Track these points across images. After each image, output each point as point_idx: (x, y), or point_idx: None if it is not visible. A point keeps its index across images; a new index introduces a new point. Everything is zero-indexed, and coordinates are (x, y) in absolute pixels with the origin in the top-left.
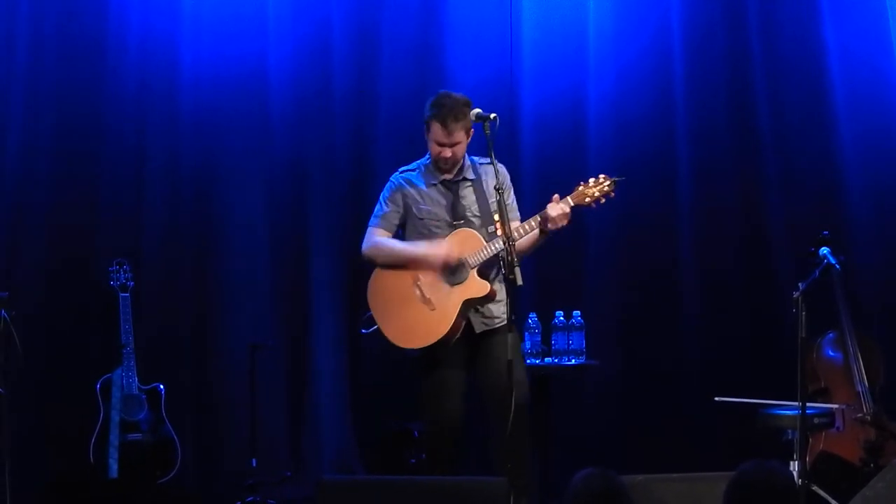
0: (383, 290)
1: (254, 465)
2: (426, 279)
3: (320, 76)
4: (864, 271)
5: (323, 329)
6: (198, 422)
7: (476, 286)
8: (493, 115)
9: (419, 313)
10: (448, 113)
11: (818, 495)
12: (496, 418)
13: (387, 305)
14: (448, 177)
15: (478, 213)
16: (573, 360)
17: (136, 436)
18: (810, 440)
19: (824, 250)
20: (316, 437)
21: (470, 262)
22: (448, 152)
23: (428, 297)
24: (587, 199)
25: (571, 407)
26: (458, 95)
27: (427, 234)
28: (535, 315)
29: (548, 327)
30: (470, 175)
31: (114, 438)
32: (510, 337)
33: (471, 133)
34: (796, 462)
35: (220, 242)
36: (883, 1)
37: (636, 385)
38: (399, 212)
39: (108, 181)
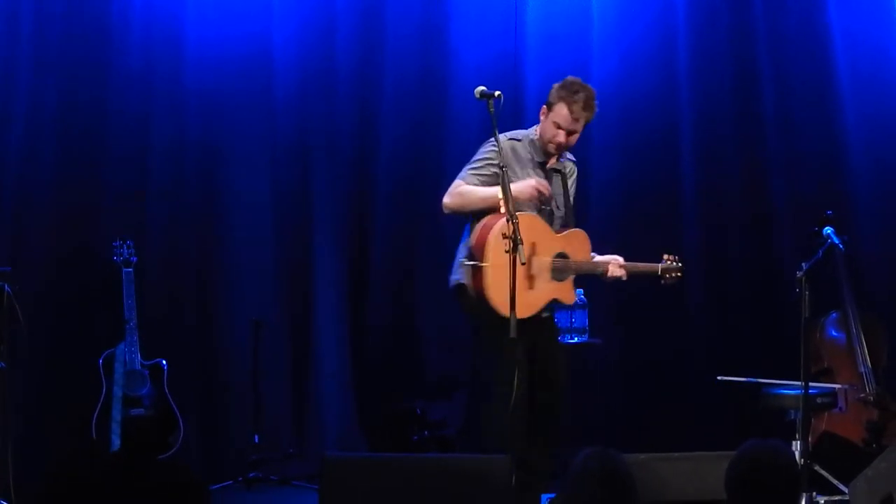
0: (503, 239)
1: (256, 441)
2: (540, 259)
3: (325, 56)
4: (868, 251)
5: (326, 305)
6: (200, 398)
7: (568, 292)
8: (497, 93)
9: (519, 283)
10: (579, 100)
11: (820, 475)
12: (546, 400)
13: (504, 257)
14: (552, 162)
15: (560, 206)
16: (576, 339)
17: (139, 411)
18: (813, 420)
19: (828, 230)
20: (319, 414)
21: (574, 268)
22: (563, 137)
23: (534, 274)
24: (668, 276)
25: (574, 386)
26: (588, 86)
27: (517, 207)
28: None
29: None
30: (559, 167)
31: (116, 413)
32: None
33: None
34: (799, 442)
35: (223, 220)
36: None
37: (639, 364)
38: (496, 168)
39: (112, 159)
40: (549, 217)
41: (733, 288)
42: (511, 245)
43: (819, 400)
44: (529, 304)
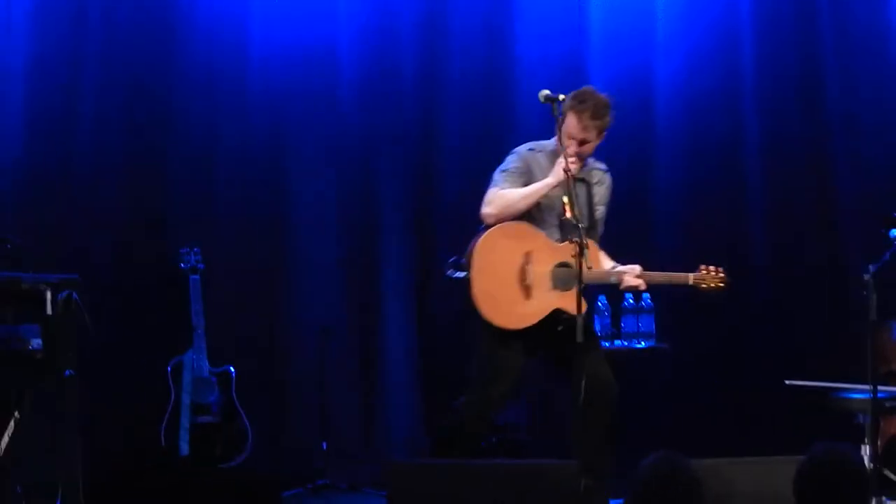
0: (495, 249)
1: (324, 447)
2: (537, 268)
3: (389, 58)
4: None
5: (393, 311)
6: (268, 404)
7: (575, 303)
8: (561, 97)
9: (513, 293)
10: (586, 109)
11: (889, 479)
12: (590, 405)
13: (492, 264)
14: (574, 170)
15: (585, 217)
16: (643, 343)
17: (207, 418)
18: (882, 424)
19: (894, 232)
20: (386, 420)
21: (583, 277)
22: (576, 147)
23: (529, 284)
24: (703, 286)
25: (642, 390)
26: (603, 95)
27: (536, 219)
28: (604, 297)
29: (617, 310)
30: (583, 175)
31: (185, 420)
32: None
33: (603, 135)
34: (867, 446)
35: (289, 224)
36: None
37: (706, 368)
38: (522, 181)
39: (179, 164)
40: (569, 227)
41: (801, 290)
42: (575, 247)
43: (888, 403)
44: (526, 314)
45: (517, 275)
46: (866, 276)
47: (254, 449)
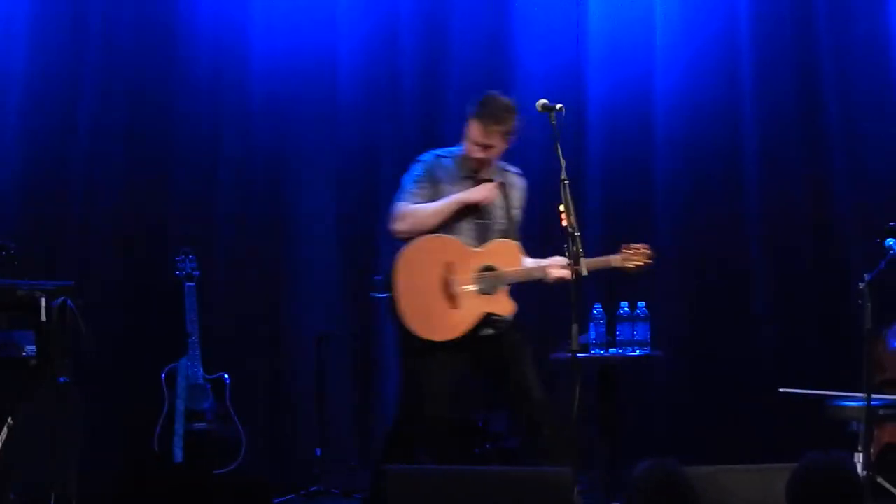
0: (414, 266)
1: (319, 454)
2: (459, 276)
3: (389, 66)
4: None
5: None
6: (264, 411)
7: (504, 304)
8: (558, 106)
9: (439, 306)
10: (489, 115)
11: (883, 487)
12: (541, 416)
13: (413, 281)
14: (479, 175)
15: (499, 219)
16: (638, 351)
17: (201, 425)
18: (876, 432)
19: (890, 241)
20: (382, 427)
21: (505, 279)
22: (481, 153)
23: (454, 294)
24: (628, 265)
25: (637, 398)
26: (504, 99)
27: (449, 225)
28: (599, 306)
29: (613, 318)
30: (496, 178)
31: (179, 427)
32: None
33: (509, 140)
34: (861, 454)
35: (288, 232)
36: None
37: (701, 376)
38: (430, 189)
39: (178, 172)
40: (486, 230)
41: (797, 298)
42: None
43: (882, 411)
44: (455, 324)
45: (441, 287)
46: (861, 285)
47: (248, 455)
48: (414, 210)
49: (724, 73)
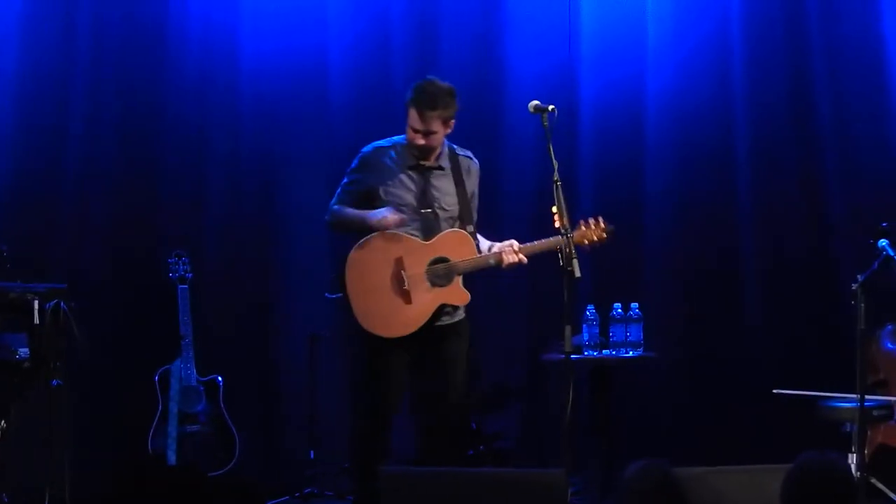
0: (365, 266)
1: (312, 456)
2: (411, 271)
3: (380, 68)
4: None
5: None
6: (257, 413)
7: (458, 294)
8: (550, 107)
9: (393, 302)
10: (427, 100)
11: (877, 488)
12: (446, 421)
13: (364, 281)
14: (424, 162)
15: (447, 206)
16: (631, 353)
17: (195, 427)
18: (869, 433)
19: (883, 242)
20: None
21: (458, 269)
22: (421, 139)
23: (407, 289)
24: (585, 242)
25: (631, 399)
26: (442, 84)
27: None
28: (592, 307)
29: (606, 319)
30: (444, 163)
31: (172, 430)
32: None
33: (451, 124)
34: (855, 454)
35: (279, 233)
36: None
37: (695, 377)
38: (364, 184)
39: (169, 173)
40: (434, 219)
41: (790, 299)
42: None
43: (875, 412)
44: (410, 319)
45: (394, 283)
46: (854, 286)
47: (241, 457)
48: (338, 211)
49: (715, 73)
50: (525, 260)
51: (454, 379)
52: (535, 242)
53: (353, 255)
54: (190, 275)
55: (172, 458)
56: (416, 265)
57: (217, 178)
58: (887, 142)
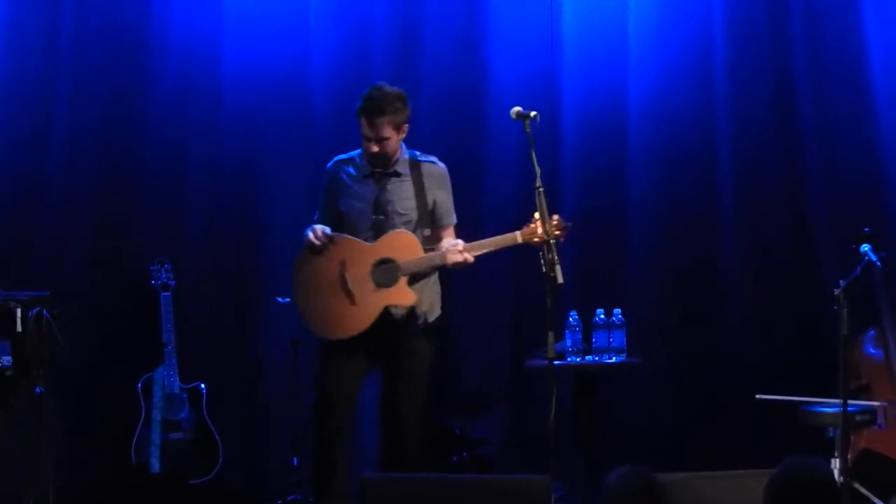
0: (309, 269)
1: (296, 463)
2: (354, 272)
3: (362, 73)
4: None
5: None
6: (240, 420)
7: (403, 295)
8: (533, 113)
9: (338, 304)
10: (374, 107)
11: (860, 493)
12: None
13: (308, 285)
14: (380, 170)
15: (403, 210)
16: (614, 358)
17: (178, 435)
18: (852, 438)
19: (865, 247)
20: (358, 434)
21: (402, 269)
22: (374, 146)
23: (351, 290)
24: (535, 240)
25: (613, 405)
26: (390, 89)
27: (350, 228)
28: (575, 313)
29: (588, 325)
30: (402, 169)
31: (155, 437)
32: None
33: (404, 129)
34: (838, 459)
35: (261, 240)
36: None
37: (678, 382)
38: (330, 198)
39: (150, 180)
40: (386, 224)
41: (772, 304)
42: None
43: (858, 417)
44: (356, 320)
45: (338, 285)
46: (836, 291)
47: (225, 465)
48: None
49: (698, 77)
50: (471, 259)
51: (412, 382)
52: (482, 241)
53: (298, 258)
54: (173, 282)
55: (156, 465)
56: (360, 266)
57: (200, 185)
58: (870, 143)
